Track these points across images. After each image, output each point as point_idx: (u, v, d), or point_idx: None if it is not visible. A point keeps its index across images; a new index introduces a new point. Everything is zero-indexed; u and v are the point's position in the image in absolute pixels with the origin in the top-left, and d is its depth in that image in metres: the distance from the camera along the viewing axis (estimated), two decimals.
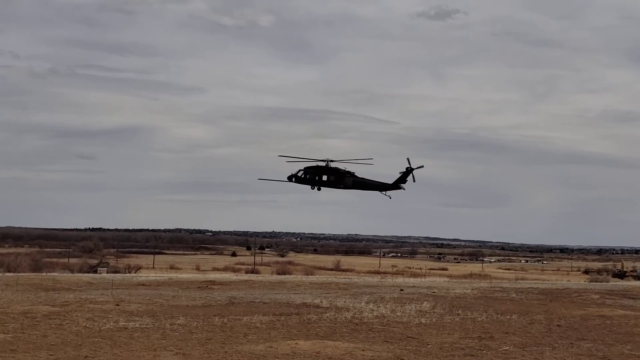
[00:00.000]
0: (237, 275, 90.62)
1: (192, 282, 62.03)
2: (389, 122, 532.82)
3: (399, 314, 38.19)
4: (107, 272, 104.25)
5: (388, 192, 59.60)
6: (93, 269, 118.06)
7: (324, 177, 60.52)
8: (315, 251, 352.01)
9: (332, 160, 60.07)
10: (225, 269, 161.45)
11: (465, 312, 39.49)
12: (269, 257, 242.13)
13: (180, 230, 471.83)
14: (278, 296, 48.44)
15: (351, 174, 60.36)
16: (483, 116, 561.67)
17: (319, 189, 60.95)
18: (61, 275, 75.67)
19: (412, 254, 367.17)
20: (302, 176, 60.41)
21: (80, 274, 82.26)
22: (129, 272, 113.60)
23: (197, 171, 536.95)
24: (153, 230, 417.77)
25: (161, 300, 44.12)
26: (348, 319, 35.39)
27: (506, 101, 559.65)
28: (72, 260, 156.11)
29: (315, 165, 60.34)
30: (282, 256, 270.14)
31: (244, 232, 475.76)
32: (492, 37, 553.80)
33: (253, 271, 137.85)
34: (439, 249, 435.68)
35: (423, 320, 35.53)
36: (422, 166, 59.08)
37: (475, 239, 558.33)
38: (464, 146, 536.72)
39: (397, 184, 59.05)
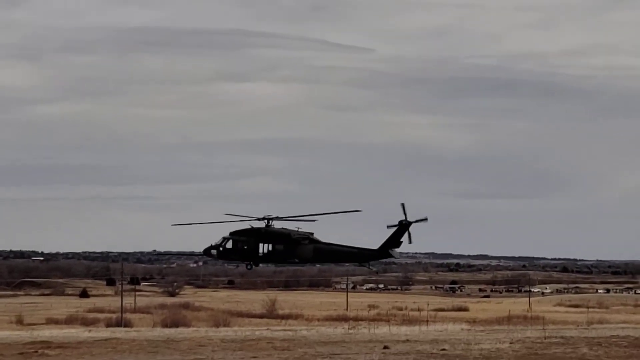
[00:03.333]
0: (90, 332, 72.27)
1: (10, 346, 52.48)
2: (353, 47, 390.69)
3: None
4: None
5: (372, 263, 49.27)
6: None
7: (266, 246, 49.91)
8: (231, 284, 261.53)
9: (278, 218, 48.75)
10: (71, 321, 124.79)
11: None
12: (149, 296, 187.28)
13: None
14: None
15: (309, 238, 49.57)
16: (523, 33, 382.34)
17: (257, 265, 52.13)
18: None
19: (405, 283, 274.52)
20: (230, 248, 50.85)
21: None
22: None
23: (12, 146, 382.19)
24: None
25: None
26: None
27: (564, 4, 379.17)
28: None
29: (248, 228, 49.99)
30: (172, 294, 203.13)
31: (100, 253, 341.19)
32: None
33: (120, 324, 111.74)
34: (452, 274, 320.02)
35: None
36: (426, 219, 47.75)
37: (515, 254, 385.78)
38: (490, 89, 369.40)
39: (386, 249, 46.92)
